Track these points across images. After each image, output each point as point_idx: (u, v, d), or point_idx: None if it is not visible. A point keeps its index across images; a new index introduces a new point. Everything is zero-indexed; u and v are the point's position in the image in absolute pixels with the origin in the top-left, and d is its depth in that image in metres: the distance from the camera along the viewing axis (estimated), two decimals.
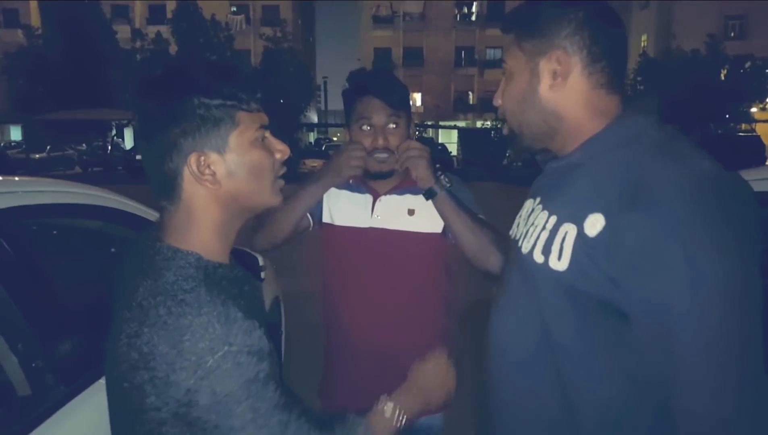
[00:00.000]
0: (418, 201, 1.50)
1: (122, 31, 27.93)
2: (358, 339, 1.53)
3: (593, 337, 0.82)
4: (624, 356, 0.80)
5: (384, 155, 1.46)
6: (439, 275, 1.58)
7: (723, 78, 24.75)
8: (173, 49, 26.58)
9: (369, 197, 1.54)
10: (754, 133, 22.25)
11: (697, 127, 24.32)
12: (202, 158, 0.81)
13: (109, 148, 25.12)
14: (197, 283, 0.78)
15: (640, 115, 0.89)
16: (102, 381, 1.27)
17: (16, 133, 34.60)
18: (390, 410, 1.00)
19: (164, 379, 0.74)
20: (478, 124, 36.62)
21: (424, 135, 33.18)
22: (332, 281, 1.61)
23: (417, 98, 40.12)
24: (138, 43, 26.85)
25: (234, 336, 0.75)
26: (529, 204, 1.02)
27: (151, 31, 28.01)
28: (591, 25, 0.87)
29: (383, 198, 1.53)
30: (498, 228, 1.44)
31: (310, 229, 1.62)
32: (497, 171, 23.73)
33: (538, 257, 0.87)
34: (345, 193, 1.57)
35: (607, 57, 0.88)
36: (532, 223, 0.93)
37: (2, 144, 29.42)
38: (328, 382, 1.64)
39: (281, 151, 0.89)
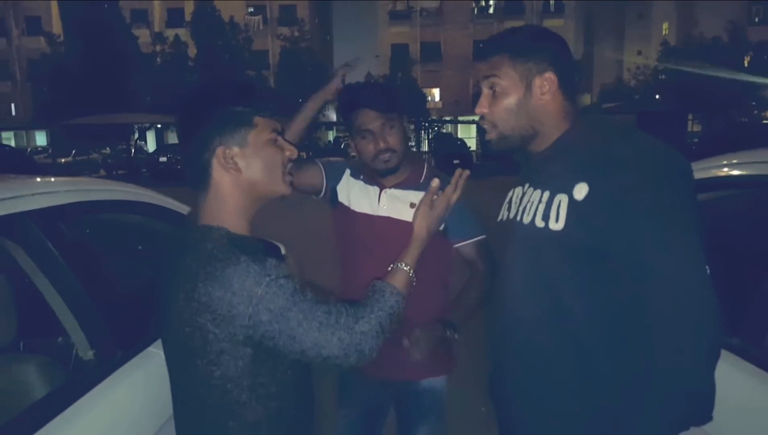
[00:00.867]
0: (419, 196, 1.67)
1: (142, 35, 28.44)
2: None
3: (586, 275, 1.05)
4: (607, 286, 1.03)
5: (387, 155, 1.65)
6: (437, 262, 1.75)
7: (746, 65, 24.25)
8: (192, 51, 27.03)
9: (376, 189, 1.74)
10: None
11: (719, 116, 23.92)
12: (227, 151, 1.06)
13: (133, 151, 25.64)
14: (230, 246, 1.01)
15: (592, 116, 1.20)
16: (150, 349, 1.49)
17: (41, 139, 35.49)
18: (403, 267, 1.25)
19: (226, 316, 0.98)
20: None
21: (443, 130, 33.18)
22: (345, 261, 1.82)
23: (435, 94, 40.13)
24: (158, 47, 27.37)
25: (269, 269, 1.00)
26: (518, 190, 1.26)
27: (170, 33, 28.48)
28: (563, 54, 1.17)
29: (388, 190, 1.73)
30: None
31: (321, 195, 1.84)
32: (515, 165, 23.68)
33: (539, 223, 1.10)
34: (359, 183, 1.78)
35: (570, 77, 1.18)
36: (528, 201, 1.17)
37: (29, 149, 30.21)
38: None
39: (290, 150, 1.15)
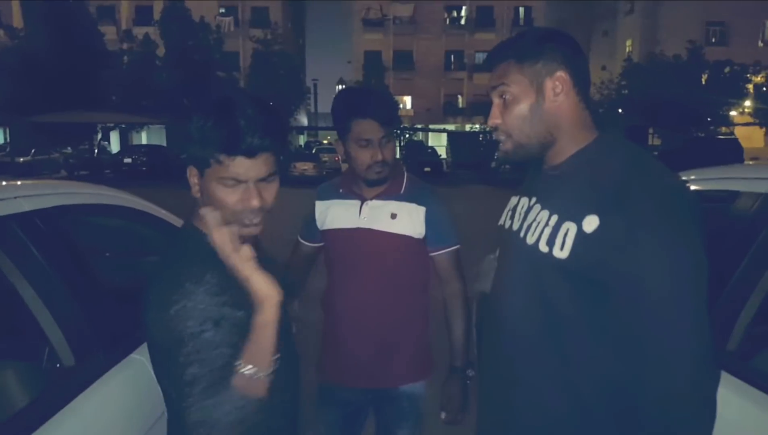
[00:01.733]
0: (400, 207, 1.74)
1: (108, 33, 27.74)
2: (349, 321, 1.78)
3: (585, 307, 1.04)
4: (606, 319, 1.02)
5: (380, 167, 1.67)
6: (417, 268, 1.80)
7: (704, 83, 25.26)
8: (161, 51, 26.50)
9: (357, 202, 1.76)
10: (733, 137, 22.71)
11: (679, 130, 24.82)
12: (191, 172, 1.08)
13: (96, 151, 24.97)
14: (193, 249, 1.05)
15: (613, 135, 1.13)
16: (134, 355, 1.47)
17: None
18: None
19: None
20: (468, 127, 37.04)
21: (414, 138, 33.42)
22: (330, 273, 1.85)
23: (407, 102, 40.40)
24: (125, 45, 26.73)
25: (180, 293, 0.98)
26: (524, 201, 1.22)
27: (138, 32, 27.88)
28: (574, 54, 1.11)
29: (369, 202, 1.75)
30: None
31: (306, 249, 1.94)
32: (486, 174, 24.00)
33: (543, 248, 1.07)
34: (336, 201, 1.80)
35: (584, 79, 1.12)
36: (534, 219, 1.13)
37: None
38: (325, 358, 1.87)
39: (250, 203, 1.04)
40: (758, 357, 1.45)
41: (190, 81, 24.70)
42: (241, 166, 1.01)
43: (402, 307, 1.77)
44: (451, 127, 38.45)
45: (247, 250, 0.97)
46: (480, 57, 40.19)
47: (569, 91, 1.10)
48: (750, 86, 26.10)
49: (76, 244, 1.48)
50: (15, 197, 1.33)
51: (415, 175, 1.90)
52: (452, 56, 41.05)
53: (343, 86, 49.93)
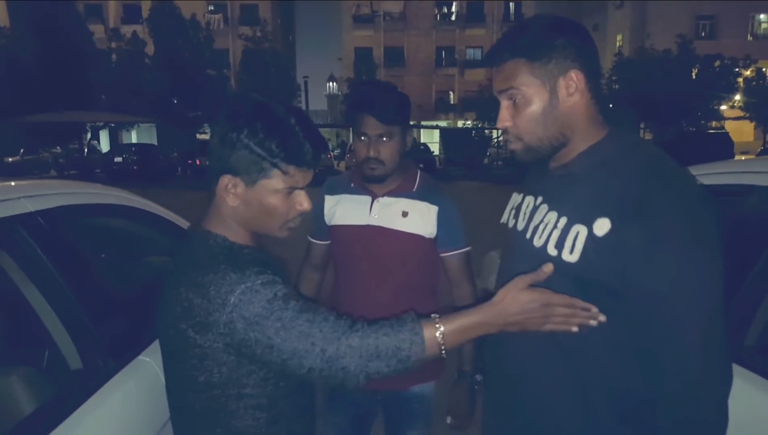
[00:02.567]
0: (411, 205, 1.71)
1: (96, 31, 27.49)
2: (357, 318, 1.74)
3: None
4: (617, 326, 0.98)
5: (374, 164, 1.64)
6: (426, 267, 1.78)
7: (694, 77, 25.41)
8: (150, 49, 26.29)
9: (368, 198, 1.73)
10: (723, 131, 22.90)
11: (669, 125, 24.99)
12: (232, 181, 1.04)
13: (86, 150, 24.76)
14: (217, 253, 1.03)
15: (626, 133, 1.08)
16: (141, 357, 1.45)
17: None
18: (437, 330, 1.01)
19: (203, 323, 0.98)
20: (459, 123, 37.05)
21: None
22: (337, 270, 1.83)
23: None
24: (114, 44, 26.48)
25: (247, 277, 0.98)
26: (529, 200, 1.17)
27: (127, 30, 27.61)
28: (587, 46, 1.04)
29: (380, 199, 1.72)
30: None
31: (317, 248, 1.91)
32: (478, 170, 24.04)
33: (552, 251, 1.03)
34: (345, 196, 1.77)
35: (597, 73, 1.06)
36: (541, 221, 1.09)
37: None
38: None
39: (302, 207, 1.10)
40: None
41: (180, 79, 24.55)
42: (307, 176, 1.07)
43: (409, 307, 1.74)
44: (443, 123, 38.46)
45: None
46: (471, 53, 40.23)
47: (584, 88, 1.04)
48: (740, 80, 26.30)
49: (81, 244, 1.45)
50: (19, 198, 1.30)
51: None
52: (443, 52, 41.01)
53: (334, 83, 49.38)
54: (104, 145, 30.94)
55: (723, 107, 27.18)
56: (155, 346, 1.52)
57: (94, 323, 1.34)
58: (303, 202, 1.09)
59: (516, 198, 1.24)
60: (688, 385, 0.93)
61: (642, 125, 27.41)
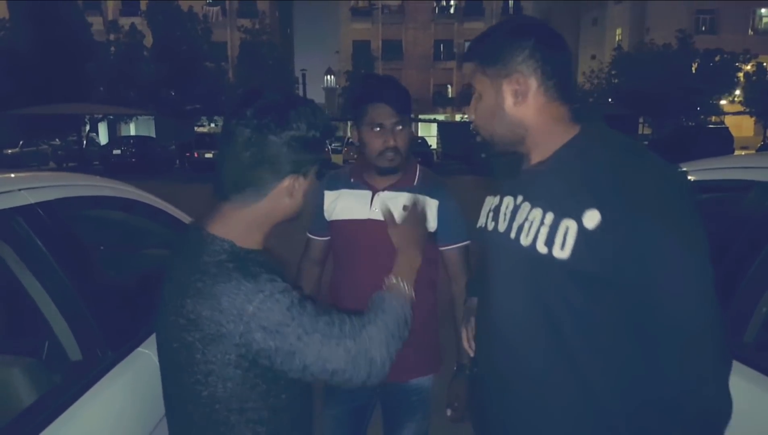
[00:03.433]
0: (412, 199, 1.69)
1: (95, 23, 27.36)
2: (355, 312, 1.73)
3: (590, 306, 1.00)
4: (615, 316, 0.99)
5: (392, 154, 1.65)
6: (427, 262, 1.76)
7: (694, 71, 25.38)
8: (148, 41, 26.17)
9: (368, 193, 1.73)
10: (723, 126, 22.90)
11: (669, 119, 24.98)
12: (297, 182, 1.05)
13: (84, 143, 24.70)
14: (224, 262, 0.97)
15: (596, 125, 1.09)
16: (140, 349, 1.45)
17: None
18: (396, 281, 1.21)
19: (215, 335, 0.94)
20: (457, 117, 37.00)
21: None
22: (338, 265, 1.82)
23: None
24: (112, 36, 26.37)
25: (263, 284, 0.95)
26: (507, 200, 1.16)
27: (125, 23, 27.51)
28: (540, 49, 1.05)
29: (381, 193, 1.72)
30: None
31: (316, 245, 1.90)
32: (476, 164, 24.00)
33: (542, 249, 1.01)
34: (345, 191, 1.77)
35: (557, 75, 1.07)
36: (525, 219, 1.07)
37: None
38: None
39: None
40: None
41: (178, 72, 24.46)
42: None
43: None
44: (440, 117, 38.40)
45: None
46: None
47: (533, 91, 1.06)
48: (740, 75, 26.29)
49: (80, 236, 1.45)
50: (19, 190, 1.30)
51: None
52: (441, 45, 40.91)
53: (332, 76, 49.10)
54: (103, 138, 30.87)
55: (723, 102, 27.19)
56: (154, 338, 1.52)
57: (94, 315, 1.34)
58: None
59: (491, 200, 1.24)
60: (692, 367, 0.94)
61: (641, 120, 27.40)
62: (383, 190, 1.72)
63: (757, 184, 1.54)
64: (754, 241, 1.46)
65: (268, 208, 1.05)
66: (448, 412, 1.73)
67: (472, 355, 1.40)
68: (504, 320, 1.13)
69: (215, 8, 37.91)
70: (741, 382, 1.24)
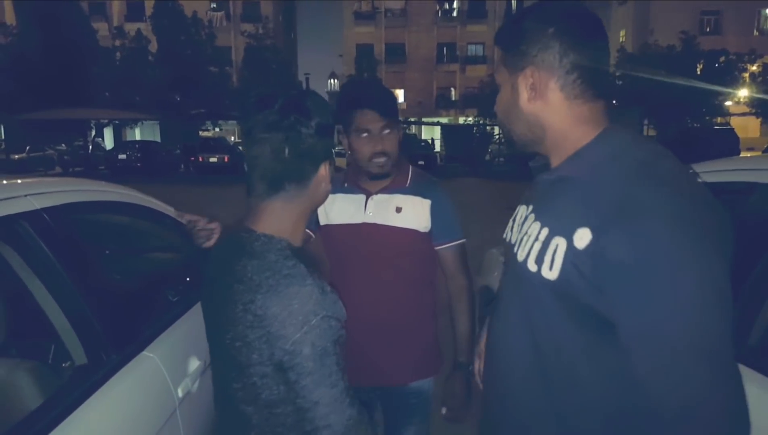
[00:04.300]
0: (405, 200, 1.71)
1: (100, 29, 27.59)
2: (355, 317, 1.71)
3: (578, 340, 0.90)
4: (605, 358, 0.87)
5: (382, 159, 1.65)
6: (423, 262, 1.78)
7: (698, 73, 25.29)
8: (153, 46, 26.34)
9: (362, 196, 1.73)
10: (729, 127, 22.80)
11: (674, 121, 24.89)
12: (330, 168, 1.11)
13: (90, 147, 24.85)
14: (296, 261, 0.99)
15: (622, 130, 0.96)
16: (145, 352, 1.46)
17: None
18: None
19: (275, 334, 0.94)
20: (461, 120, 36.93)
21: (408, 131, 33.35)
22: (333, 270, 1.81)
23: (399, 95, 40.30)
24: (117, 41, 26.56)
25: (329, 304, 0.98)
26: (522, 210, 1.08)
27: (130, 28, 27.71)
28: (560, 40, 0.92)
29: (374, 197, 1.72)
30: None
31: (312, 239, 1.86)
32: (480, 166, 23.99)
33: (532, 266, 0.93)
34: (340, 195, 1.76)
35: (580, 68, 0.92)
36: (526, 232, 0.99)
37: None
38: None
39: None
40: None
41: (183, 76, 24.59)
42: None
43: (409, 303, 1.75)
44: (444, 120, 38.40)
45: None
46: (472, 49, 40.16)
47: (550, 87, 0.94)
48: (745, 75, 26.17)
49: (86, 240, 1.46)
50: (25, 195, 1.32)
51: None
52: (444, 48, 40.94)
53: (335, 80, 49.27)
54: (108, 142, 31.03)
55: (728, 103, 27.07)
56: (158, 341, 1.54)
57: (99, 319, 1.35)
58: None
59: (518, 209, 1.15)
60: (692, 422, 0.79)
61: (646, 122, 27.32)
62: (376, 193, 1.72)
63: (763, 186, 1.54)
64: (759, 243, 1.45)
65: (312, 198, 1.10)
66: (443, 411, 1.72)
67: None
68: (497, 335, 1.09)
69: (219, 13, 38.10)
70: (745, 385, 1.23)
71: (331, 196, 1.76)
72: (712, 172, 1.77)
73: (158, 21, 26.16)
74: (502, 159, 27.12)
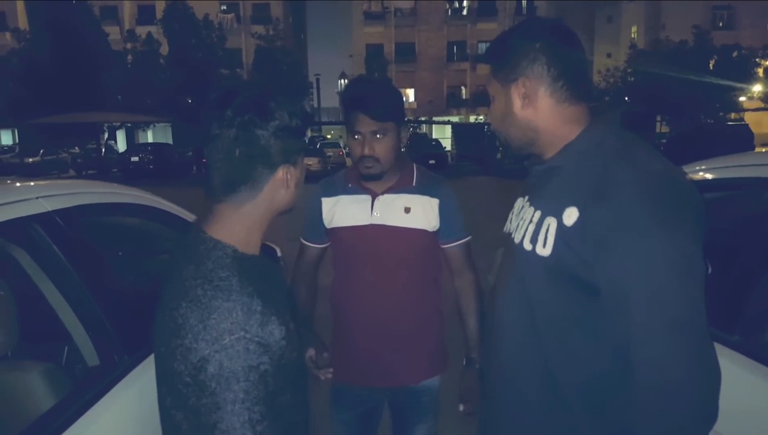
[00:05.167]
0: (413, 200, 1.69)
1: (112, 32, 27.86)
2: (363, 319, 1.73)
3: (570, 309, 0.99)
4: (595, 324, 0.97)
5: (370, 162, 1.62)
6: (430, 261, 1.78)
7: (711, 68, 24.98)
8: (164, 49, 26.56)
9: (368, 197, 1.71)
10: (743, 122, 22.49)
11: (687, 117, 24.62)
12: (289, 171, 1.03)
13: (103, 150, 25.10)
14: (231, 272, 0.93)
15: (603, 124, 1.07)
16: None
17: (6, 138, 34.33)
18: None
19: (187, 346, 0.89)
20: (471, 118, 36.87)
21: (418, 131, 33.35)
22: (339, 271, 1.80)
23: (410, 94, 40.28)
24: (129, 45, 26.81)
25: (251, 325, 0.90)
26: (519, 202, 1.21)
27: (141, 31, 27.95)
28: (546, 53, 1.05)
29: (381, 197, 1.70)
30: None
31: (328, 248, 1.85)
32: (491, 165, 23.88)
33: (527, 246, 1.05)
34: (343, 197, 1.74)
35: (565, 76, 1.06)
36: (522, 218, 1.12)
37: None
38: (337, 359, 1.80)
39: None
40: None
41: (194, 79, 24.77)
42: None
43: (417, 302, 1.74)
44: (454, 118, 38.32)
45: None
46: (483, 47, 39.89)
47: (540, 94, 1.07)
48: (759, 70, 25.81)
49: (98, 243, 1.47)
50: (36, 198, 1.33)
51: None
52: (455, 47, 40.83)
53: (345, 80, 49.64)
54: (121, 145, 31.37)
55: (742, 98, 26.70)
56: None
57: (111, 321, 1.36)
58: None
59: (516, 203, 1.25)
60: (658, 386, 0.88)
61: (659, 118, 27.05)
62: (382, 193, 1.70)
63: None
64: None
65: (266, 203, 1.03)
66: (461, 407, 1.71)
67: None
68: (498, 315, 1.16)
69: (229, 15, 38.29)
70: (763, 383, 1.22)
71: (333, 199, 1.75)
72: (726, 167, 1.74)
73: (169, 24, 26.37)
74: (511, 159, 26.96)
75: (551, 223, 1.00)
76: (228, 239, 0.99)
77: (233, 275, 0.93)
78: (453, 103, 40.91)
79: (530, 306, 1.05)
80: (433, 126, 36.74)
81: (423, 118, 36.06)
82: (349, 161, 1.76)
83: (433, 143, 26.71)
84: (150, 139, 33.89)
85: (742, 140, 17.99)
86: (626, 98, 27.40)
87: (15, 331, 1.31)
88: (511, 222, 1.21)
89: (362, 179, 1.68)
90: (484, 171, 22.67)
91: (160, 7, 30.19)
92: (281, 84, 26.12)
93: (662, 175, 0.95)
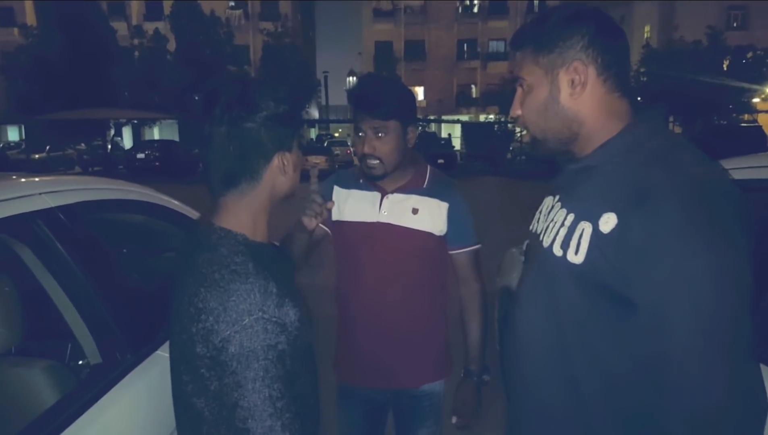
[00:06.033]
0: (422, 202, 1.66)
1: (119, 29, 27.99)
2: (366, 318, 1.71)
3: (601, 323, 0.92)
4: (628, 341, 0.89)
5: (373, 161, 1.59)
6: (436, 265, 1.74)
7: (725, 69, 24.75)
8: (172, 46, 26.63)
9: (377, 195, 1.68)
10: (756, 124, 22.27)
11: (699, 118, 24.42)
12: (285, 159, 1.06)
13: (109, 147, 25.21)
14: (246, 257, 0.97)
15: (646, 122, 1.00)
16: (159, 352, 1.45)
17: (13, 134, 34.64)
18: None
19: (209, 328, 0.93)
20: (481, 117, 36.70)
21: (427, 129, 33.27)
22: (344, 269, 1.77)
23: (419, 92, 40.18)
24: (136, 41, 26.91)
25: (268, 306, 0.94)
26: (548, 201, 1.12)
27: (149, 27, 28.04)
28: (602, 36, 0.98)
29: (390, 196, 1.67)
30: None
31: (330, 235, 1.79)
32: (501, 165, 23.80)
33: (557, 251, 0.97)
34: (355, 191, 1.72)
35: (617, 64, 0.99)
36: (552, 220, 1.03)
37: (1, 145, 29.42)
38: (342, 359, 1.81)
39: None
40: None
41: (201, 75, 24.84)
42: None
43: (421, 305, 1.71)
44: (464, 117, 38.19)
45: None
46: (494, 45, 39.85)
47: (592, 81, 0.98)
48: None
49: (102, 239, 1.46)
50: (40, 193, 1.32)
51: None
52: (465, 45, 40.68)
53: (354, 78, 49.76)
54: (127, 142, 31.49)
55: (756, 100, 26.44)
56: None
57: (114, 318, 1.35)
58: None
59: (544, 201, 1.18)
60: (695, 417, 0.82)
61: (671, 119, 26.84)
62: (392, 192, 1.67)
63: None
64: None
65: (268, 191, 1.07)
66: (454, 420, 1.69)
67: None
68: (521, 321, 1.10)
69: (238, 12, 38.36)
70: None
71: (345, 191, 1.73)
72: (741, 168, 1.71)
73: (177, 20, 26.42)
74: (523, 157, 26.87)
75: (585, 228, 0.93)
76: (237, 228, 1.03)
77: (249, 260, 0.97)
78: (463, 101, 40.77)
79: (557, 314, 0.99)
80: (443, 125, 36.64)
81: (432, 117, 35.92)
82: (356, 160, 1.73)
83: (443, 142, 26.62)
84: (156, 136, 34.05)
85: (756, 141, 17.84)
86: (638, 98, 27.20)
87: (19, 327, 1.30)
88: (538, 222, 1.13)
89: (366, 178, 1.66)
90: (494, 171, 22.59)
91: (167, 4, 30.26)
92: (289, 81, 26.17)
93: (710, 181, 0.88)
